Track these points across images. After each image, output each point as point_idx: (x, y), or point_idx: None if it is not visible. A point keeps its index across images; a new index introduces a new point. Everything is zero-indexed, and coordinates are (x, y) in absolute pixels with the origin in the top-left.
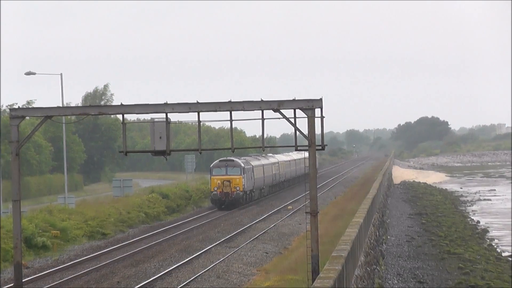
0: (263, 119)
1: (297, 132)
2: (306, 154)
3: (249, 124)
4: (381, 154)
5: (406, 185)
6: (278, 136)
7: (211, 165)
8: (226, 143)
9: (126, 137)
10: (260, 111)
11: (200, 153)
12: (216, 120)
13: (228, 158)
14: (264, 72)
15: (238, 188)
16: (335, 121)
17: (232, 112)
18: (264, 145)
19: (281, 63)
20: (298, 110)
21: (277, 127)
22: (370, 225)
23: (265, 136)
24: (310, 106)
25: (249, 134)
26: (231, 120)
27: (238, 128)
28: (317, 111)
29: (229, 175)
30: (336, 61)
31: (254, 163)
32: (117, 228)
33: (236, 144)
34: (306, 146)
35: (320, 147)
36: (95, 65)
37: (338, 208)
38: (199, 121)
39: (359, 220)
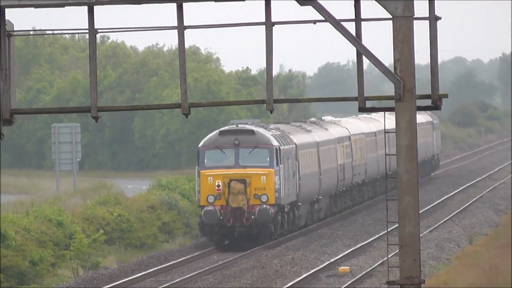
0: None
1: (366, 56)
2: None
3: (237, 43)
4: None
5: None
6: (313, 72)
7: (200, 144)
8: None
9: None
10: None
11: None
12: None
13: (242, 125)
14: None
15: (265, 199)
16: (468, 36)
17: None
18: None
19: None
20: None
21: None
22: None
23: (276, 71)
24: None
25: (232, 66)
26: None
27: (213, 54)
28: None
29: (245, 166)
30: None
31: (300, 138)
32: None
33: (202, 95)
34: (388, 98)
35: (432, 104)
36: None
37: (476, 272)
38: None
39: None
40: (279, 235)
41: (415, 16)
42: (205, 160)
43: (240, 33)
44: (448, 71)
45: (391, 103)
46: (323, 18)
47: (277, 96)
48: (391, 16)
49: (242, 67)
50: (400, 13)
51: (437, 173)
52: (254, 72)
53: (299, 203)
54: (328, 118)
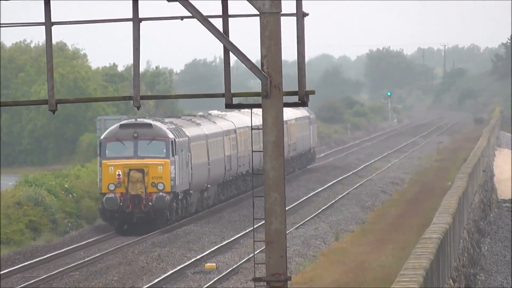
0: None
1: (233, 52)
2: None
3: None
4: (465, 117)
5: None
6: (180, 68)
7: (101, 136)
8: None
9: None
10: None
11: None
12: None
13: (140, 119)
14: None
15: (162, 187)
16: (334, 33)
17: None
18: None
19: None
20: None
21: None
22: None
23: (143, 67)
24: None
25: (100, 62)
26: None
27: (80, 50)
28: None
29: (143, 157)
30: None
31: (191, 131)
32: None
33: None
34: (255, 94)
35: (299, 100)
36: None
37: (343, 268)
38: None
39: None
40: (174, 220)
41: (283, 12)
42: (107, 151)
43: (107, 30)
44: (316, 67)
45: (259, 100)
46: (190, 14)
47: (144, 93)
48: (258, 12)
49: (109, 63)
50: (267, 9)
51: (313, 165)
52: (121, 68)
53: (191, 191)
54: (215, 112)
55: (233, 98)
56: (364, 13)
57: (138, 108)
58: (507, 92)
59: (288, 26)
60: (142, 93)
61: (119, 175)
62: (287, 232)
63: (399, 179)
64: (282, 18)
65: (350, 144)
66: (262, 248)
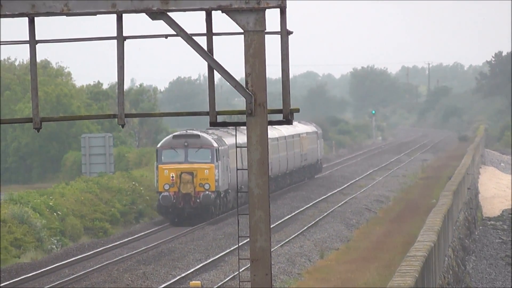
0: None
1: (217, 71)
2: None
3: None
4: (449, 135)
5: None
6: (164, 86)
7: (158, 145)
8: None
9: None
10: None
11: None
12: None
13: (190, 130)
14: None
15: (208, 187)
16: (319, 51)
17: None
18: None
19: None
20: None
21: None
22: None
23: (128, 85)
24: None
25: (84, 80)
26: None
27: (64, 68)
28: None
29: (193, 162)
30: None
31: (229, 140)
32: None
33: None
34: (240, 112)
35: (283, 119)
36: None
37: (327, 286)
38: None
39: None
40: (218, 214)
41: (267, 30)
42: (162, 157)
43: (92, 48)
44: (300, 85)
45: (243, 118)
46: (174, 32)
47: (129, 111)
48: (242, 31)
49: (94, 81)
50: (251, 27)
51: (319, 175)
52: (105, 86)
53: (230, 190)
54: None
55: (218, 116)
56: (348, 31)
57: (123, 126)
58: (491, 110)
59: (272, 44)
60: (126, 111)
61: (172, 177)
62: (272, 249)
63: (383, 197)
64: (267, 35)
65: (335, 161)
66: (247, 266)
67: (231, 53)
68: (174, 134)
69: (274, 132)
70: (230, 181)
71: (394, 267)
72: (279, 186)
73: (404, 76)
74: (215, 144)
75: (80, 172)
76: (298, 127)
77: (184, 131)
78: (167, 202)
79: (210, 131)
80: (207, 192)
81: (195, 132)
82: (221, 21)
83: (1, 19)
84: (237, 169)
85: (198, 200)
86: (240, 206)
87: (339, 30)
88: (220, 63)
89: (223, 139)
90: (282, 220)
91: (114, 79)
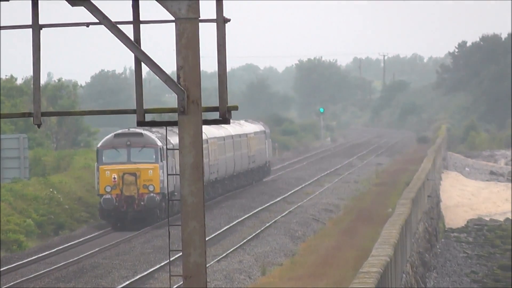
0: None
1: (145, 63)
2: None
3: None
4: (407, 135)
5: (482, 230)
6: (85, 81)
7: (98, 145)
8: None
9: None
10: None
11: None
12: None
13: (132, 128)
14: None
15: (152, 188)
16: (260, 41)
17: None
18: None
19: None
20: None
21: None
22: None
23: (45, 80)
24: None
25: None
26: None
27: None
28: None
29: (136, 162)
30: None
31: (175, 139)
32: None
33: None
34: (171, 110)
35: (220, 117)
36: None
37: None
38: None
39: None
40: (163, 218)
41: (201, 18)
42: (103, 158)
43: (3, 38)
44: (239, 79)
45: (175, 116)
46: (97, 20)
47: (46, 108)
48: (173, 18)
49: (6, 76)
50: (183, 14)
51: (268, 178)
52: (19, 81)
53: (176, 193)
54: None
55: (146, 115)
56: (293, 19)
57: (39, 126)
58: (454, 108)
59: (207, 33)
60: (43, 109)
61: (114, 178)
62: (207, 265)
63: (333, 205)
64: (201, 24)
65: (279, 166)
66: (180, 284)
67: (160, 43)
68: (115, 132)
69: (220, 131)
70: (176, 182)
71: (346, 284)
72: (226, 189)
73: (356, 69)
74: (159, 143)
75: None
76: (245, 126)
77: (127, 130)
78: (109, 205)
79: (154, 129)
80: (151, 194)
81: (138, 130)
82: (150, 7)
83: None
84: (167, 174)
85: (142, 203)
86: (171, 216)
87: (283, 17)
88: (148, 54)
89: (168, 137)
90: (219, 231)
91: (30, 73)
